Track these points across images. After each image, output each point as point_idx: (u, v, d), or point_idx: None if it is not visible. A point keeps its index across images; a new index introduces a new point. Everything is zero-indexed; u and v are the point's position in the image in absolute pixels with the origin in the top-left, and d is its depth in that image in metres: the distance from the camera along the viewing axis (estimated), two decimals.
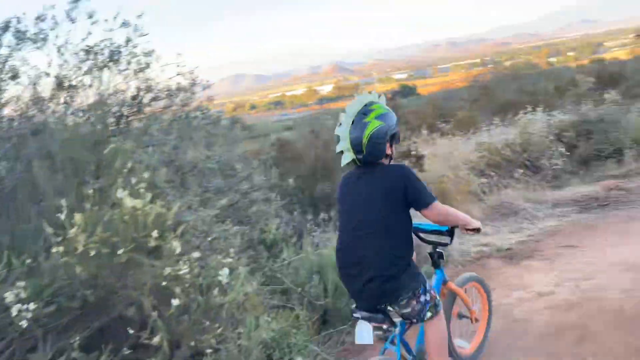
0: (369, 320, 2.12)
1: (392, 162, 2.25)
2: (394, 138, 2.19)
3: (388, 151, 2.18)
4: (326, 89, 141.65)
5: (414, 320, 2.23)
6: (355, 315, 2.18)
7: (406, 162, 8.12)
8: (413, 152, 8.32)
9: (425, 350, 2.21)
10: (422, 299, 2.13)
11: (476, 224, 2.31)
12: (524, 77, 19.36)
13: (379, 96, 2.25)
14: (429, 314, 2.15)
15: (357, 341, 2.16)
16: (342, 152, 2.15)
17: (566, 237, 5.52)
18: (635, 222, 5.80)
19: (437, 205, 2.12)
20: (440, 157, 9.35)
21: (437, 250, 2.51)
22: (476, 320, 2.83)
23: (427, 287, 2.19)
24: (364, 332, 2.11)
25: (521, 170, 9.11)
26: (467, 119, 13.67)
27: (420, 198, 2.12)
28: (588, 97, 11.64)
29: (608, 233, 5.40)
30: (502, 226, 6.74)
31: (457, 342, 2.70)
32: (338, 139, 2.16)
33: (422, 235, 2.56)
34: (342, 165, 2.19)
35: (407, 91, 65.81)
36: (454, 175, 8.75)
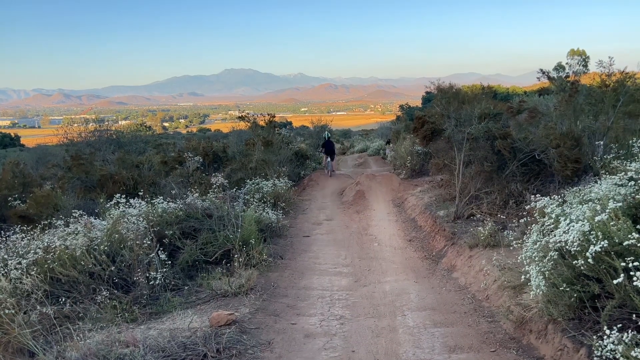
0: (330, 157, 17.75)
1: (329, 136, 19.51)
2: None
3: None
4: None
5: (334, 157, 18.60)
6: (327, 159, 17.64)
7: None
8: None
9: (332, 167, 17.74)
10: (335, 156, 19.78)
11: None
12: (130, 144, 17.01)
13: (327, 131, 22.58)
14: (335, 157, 19.39)
15: (327, 161, 17.70)
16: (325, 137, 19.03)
17: None
18: None
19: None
20: None
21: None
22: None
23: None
24: (327, 158, 17.70)
25: (106, 292, 6.25)
26: (45, 198, 9.89)
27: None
28: (195, 181, 10.16)
29: None
30: None
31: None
32: (325, 136, 18.84)
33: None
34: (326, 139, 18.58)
35: (7, 142, 54.16)
36: None
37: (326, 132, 20.29)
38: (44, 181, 14.06)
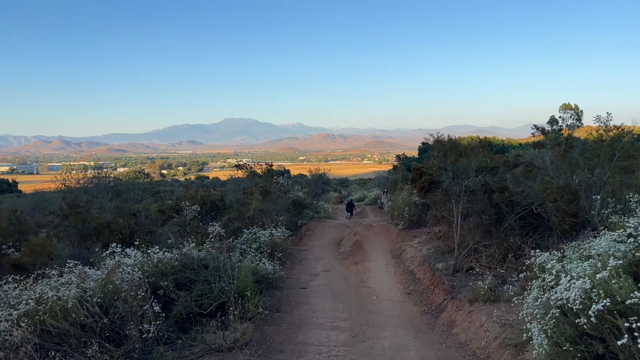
0: (349, 212, 25.33)
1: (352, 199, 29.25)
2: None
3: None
4: None
5: (352, 212, 25.74)
6: (348, 212, 25.15)
7: None
8: None
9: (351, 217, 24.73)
10: (353, 210, 25.97)
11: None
12: (127, 192, 17.02)
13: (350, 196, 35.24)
14: (354, 211, 26.15)
15: (348, 215, 24.89)
16: (350, 199, 29.09)
17: None
18: None
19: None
20: None
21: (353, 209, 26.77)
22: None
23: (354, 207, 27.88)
24: (348, 213, 24.97)
25: (96, 346, 6.05)
26: (40, 247, 9.77)
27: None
28: (192, 230, 10.09)
29: None
30: None
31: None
32: (349, 199, 29.33)
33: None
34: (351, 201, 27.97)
35: (4, 187, 54.32)
36: None
37: (350, 197, 31.99)
38: (40, 228, 13.93)
